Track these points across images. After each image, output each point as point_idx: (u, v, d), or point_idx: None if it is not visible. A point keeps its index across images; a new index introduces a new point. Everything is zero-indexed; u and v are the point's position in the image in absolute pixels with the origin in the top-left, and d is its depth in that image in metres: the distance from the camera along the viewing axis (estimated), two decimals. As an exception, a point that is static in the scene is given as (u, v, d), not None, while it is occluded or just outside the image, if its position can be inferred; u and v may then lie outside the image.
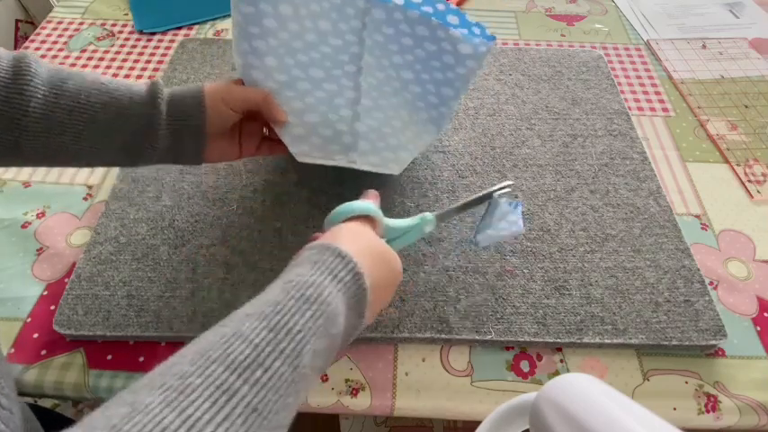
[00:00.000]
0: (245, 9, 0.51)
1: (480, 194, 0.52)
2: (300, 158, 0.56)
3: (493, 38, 0.53)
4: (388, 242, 0.47)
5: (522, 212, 0.54)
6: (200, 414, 0.26)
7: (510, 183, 0.53)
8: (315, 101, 0.56)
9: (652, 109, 0.78)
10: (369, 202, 0.46)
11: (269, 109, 0.53)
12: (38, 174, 0.67)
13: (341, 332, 0.36)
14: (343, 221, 0.44)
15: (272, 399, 0.29)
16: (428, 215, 0.49)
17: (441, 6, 0.53)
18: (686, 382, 0.51)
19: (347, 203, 0.44)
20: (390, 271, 0.43)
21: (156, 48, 0.85)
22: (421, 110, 0.59)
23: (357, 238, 0.41)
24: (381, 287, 0.41)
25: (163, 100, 0.48)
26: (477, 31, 0.53)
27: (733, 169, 0.69)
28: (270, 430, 0.29)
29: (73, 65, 0.81)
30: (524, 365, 0.52)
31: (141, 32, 0.87)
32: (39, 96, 0.43)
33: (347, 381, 0.51)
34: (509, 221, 0.54)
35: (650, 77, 0.83)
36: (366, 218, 0.45)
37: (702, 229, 0.63)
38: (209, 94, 0.49)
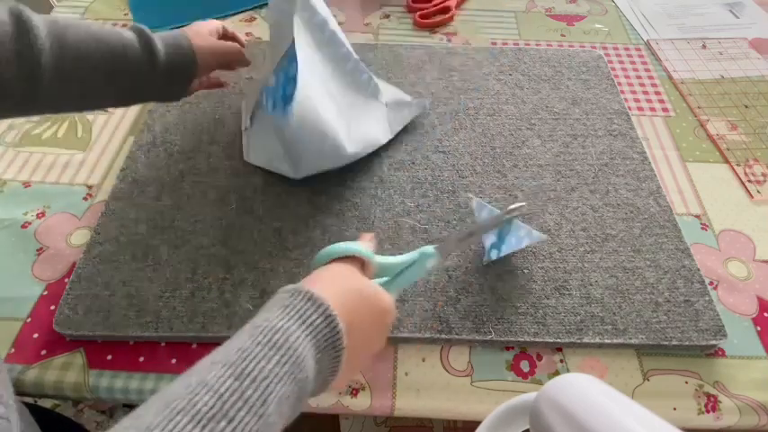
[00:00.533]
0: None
1: (491, 220, 0.51)
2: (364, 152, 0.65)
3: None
4: (386, 283, 0.46)
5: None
6: None
7: (523, 204, 0.53)
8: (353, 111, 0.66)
9: (652, 109, 0.78)
10: (355, 243, 0.44)
11: (243, 63, 0.65)
12: (38, 174, 0.67)
13: (310, 377, 0.35)
14: (328, 263, 0.42)
15: None
16: (428, 248, 0.46)
17: None
18: (686, 382, 0.51)
19: (332, 245, 0.43)
20: (376, 311, 0.41)
21: (156, 48, 0.85)
22: None
23: (335, 280, 0.40)
24: (364, 328, 0.40)
25: (155, 49, 0.53)
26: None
27: (733, 169, 0.69)
28: None
29: (73, 65, 0.81)
30: (524, 365, 0.52)
31: (141, 32, 0.87)
32: (46, 48, 0.46)
33: (347, 381, 0.51)
34: (519, 237, 0.55)
35: (650, 77, 0.83)
36: (354, 258, 0.43)
37: (702, 229, 0.63)
38: (199, 50, 0.57)
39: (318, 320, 0.36)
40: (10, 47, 0.44)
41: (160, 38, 0.55)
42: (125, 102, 0.57)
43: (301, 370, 0.34)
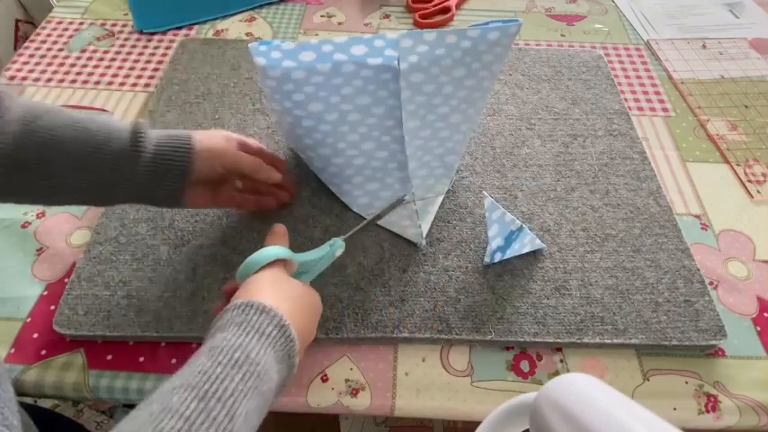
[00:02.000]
0: (286, 119, 0.54)
1: (380, 211, 0.55)
2: (363, 213, 0.61)
3: (515, 21, 0.52)
4: (300, 274, 0.48)
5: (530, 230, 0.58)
6: None
7: (404, 195, 0.57)
8: (371, 171, 0.61)
9: (652, 109, 0.78)
10: (277, 247, 0.46)
11: (260, 175, 0.54)
12: (38, 174, 0.67)
13: (273, 388, 0.37)
14: (257, 271, 0.44)
15: None
16: (337, 240, 0.50)
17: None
18: (686, 382, 0.51)
19: (256, 254, 0.44)
20: (311, 309, 0.45)
21: (156, 48, 0.85)
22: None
23: (276, 288, 0.42)
24: (306, 329, 0.43)
25: (145, 137, 0.47)
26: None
27: (733, 169, 0.69)
28: None
29: (73, 65, 0.81)
30: (524, 365, 0.52)
31: (141, 32, 0.87)
32: (8, 133, 0.42)
33: (347, 381, 0.51)
34: (522, 243, 0.56)
35: (650, 77, 0.83)
36: (278, 261, 0.45)
37: (702, 229, 0.63)
38: (201, 147, 0.49)
39: (274, 331, 0.38)
40: None
41: (158, 132, 0.49)
42: (101, 195, 0.48)
43: (265, 382, 0.35)
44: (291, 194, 0.60)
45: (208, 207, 0.54)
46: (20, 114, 0.43)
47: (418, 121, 0.56)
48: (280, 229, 0.50)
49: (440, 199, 0.63)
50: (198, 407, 0.31)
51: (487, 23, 0.52)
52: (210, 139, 0.51)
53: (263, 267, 0.44)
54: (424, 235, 0.59)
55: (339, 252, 0.51)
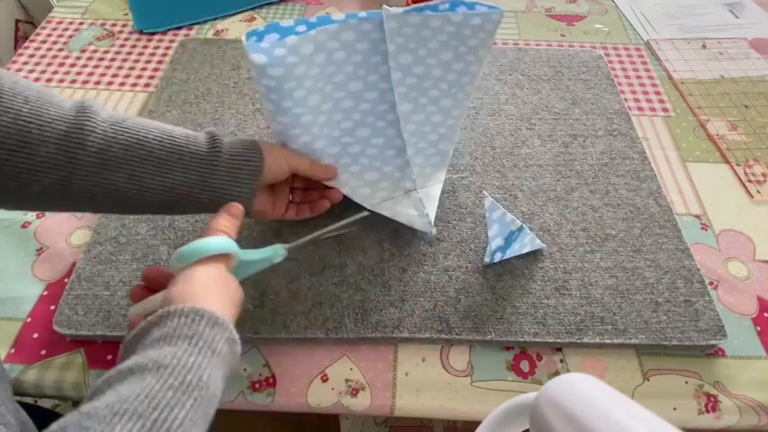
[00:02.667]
0: (281, 119, 0.52)
1: (334, 226, 0.51)
2: (365, 203, 0.58)
3: (497, 9, 0.52)
4: (235, 269, 0.45)
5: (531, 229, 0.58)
6: None
7: (365, 214, 0.52)
8: (369, 159, 0.60)
9: (652, 109, 0.78)
10: (225, 240, 0.43)
11: (315, 172, 0.56)
12: (38, 174, 0.67)
13: (216, 404, 0.35)
14: (199, 261, 0.41)
15: None
16: (280, 248, 0.48)
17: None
18: (686, 382, 0.51)
19: (202, 242, 0.41)
20: (237, 307, 0.42)
21: (156, 48, 0.85)
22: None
23: (221, 288, 0.40)
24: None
25: (221, 139, 0.49)
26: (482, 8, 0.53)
27: (733, 169, 0.69)
28: None
29: (73, 65, 0.81)
30: (524, 365, 0.52)
31: (141, 32, 0.87)
32: (98, 132, 0.43)
33: (347, 381, 0.51)
34: (522, 243, 0.56)
35: (650, 77, 0.83)
36: (222, 254, 0.42)
37: (702, 229, 0.63)
38: (267, 145, 0.51)
39: (225, 348, 0.36)
40: (61, 127, 0.42)
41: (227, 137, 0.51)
42: (177, 200, 0.48)
43: (213, 405, 0.34)
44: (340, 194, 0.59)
45: (269, 215, 0.54)
46: (108, 116, 0.45)
47: (411, 104, 0.57)
48: (236, 209, 0.46)
49: (439, 186, 0.62)
50: None
51: (473, 4, 0.53)
52: (266, 142, 0.52)
53: (209, 260, 0.41)
54: (433, 222, 0.58)
55: (278, 260, 0.48)
